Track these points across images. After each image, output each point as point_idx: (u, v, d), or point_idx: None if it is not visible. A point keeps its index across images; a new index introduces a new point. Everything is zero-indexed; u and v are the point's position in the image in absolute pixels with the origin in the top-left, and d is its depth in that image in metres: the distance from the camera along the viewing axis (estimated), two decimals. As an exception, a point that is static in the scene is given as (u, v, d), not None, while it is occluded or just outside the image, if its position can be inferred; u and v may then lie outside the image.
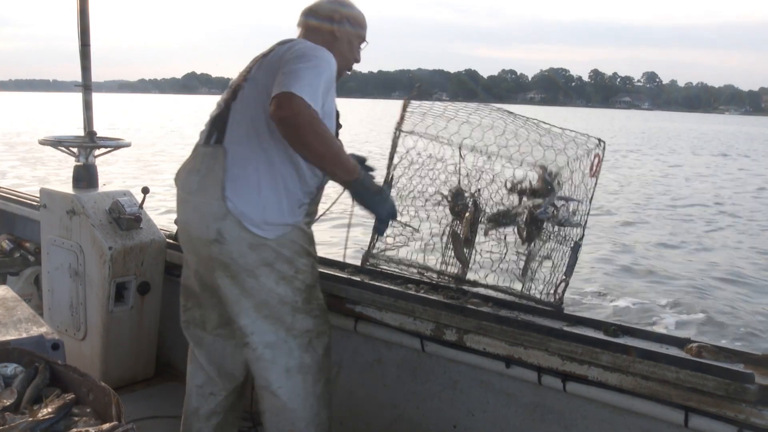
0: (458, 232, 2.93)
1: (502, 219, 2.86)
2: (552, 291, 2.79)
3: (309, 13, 2.85)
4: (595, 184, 2.76)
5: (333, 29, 2.79)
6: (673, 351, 2.42)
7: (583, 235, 2.77)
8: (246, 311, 2.69)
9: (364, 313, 3.09)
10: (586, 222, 2.76)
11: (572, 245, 2.77)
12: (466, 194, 2.94)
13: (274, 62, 2.58)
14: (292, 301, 2.71)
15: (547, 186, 2.80)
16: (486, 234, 2.90)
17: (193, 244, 2.75)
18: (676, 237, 14.67)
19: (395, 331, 3.02)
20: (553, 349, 2.56)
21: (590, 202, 2.77)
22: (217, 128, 2.68)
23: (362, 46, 2.93)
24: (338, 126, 3.06)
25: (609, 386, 2.45)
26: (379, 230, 2.84)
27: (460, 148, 2.93)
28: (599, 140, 2.76)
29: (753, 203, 21.00)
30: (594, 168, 2.73)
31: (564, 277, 2.77)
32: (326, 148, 2.46)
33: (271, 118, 2.43)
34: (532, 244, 2.81)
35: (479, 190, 2.92)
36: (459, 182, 2.97)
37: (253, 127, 2.60)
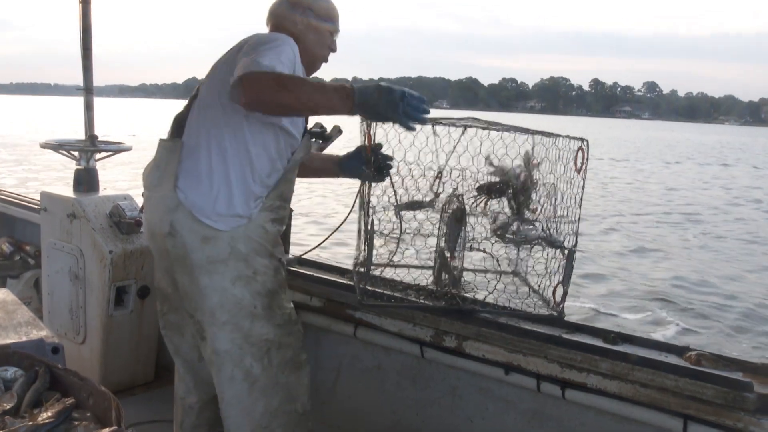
0: (445, 251, 2.94)
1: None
2: (550, 300, 2.81)
3: (274, 9, 2.78)
4: (583, 185, 2.75)
5: (296, 20, 2.71)
6: (672, 359, 2.42)
7: (576, 241, 2.77)
8: (204, 311, 2.61)
9: (363, 319, 3.08)
10: (578, 227, 2.77)
11: (566, 253, 2.77)
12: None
13: (232, 53, 2.57)
14: (249, 305, 2.61)
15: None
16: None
17: (154, 240, 2.70)
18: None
19: (395, 337, 3.01)
20: (552, 356, 2.56)
21: (580, 205, 2.77)
22: (177, 124, 2.68)
23: (334, 33, 2.81)
24: (337, 133, 3.06)
25: (608, 394, 2.45)
26: (408, 128, 2.34)
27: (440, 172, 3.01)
28: (582, 139, 2.75)
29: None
30: (578, 164, 2.72)
31: (561, 285, 2.79)
32: (307, 98, 2.29)
33: (243, 107, 2.36)
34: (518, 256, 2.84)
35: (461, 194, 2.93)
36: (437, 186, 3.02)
37: (206, 118, 2.57)
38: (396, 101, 2.28)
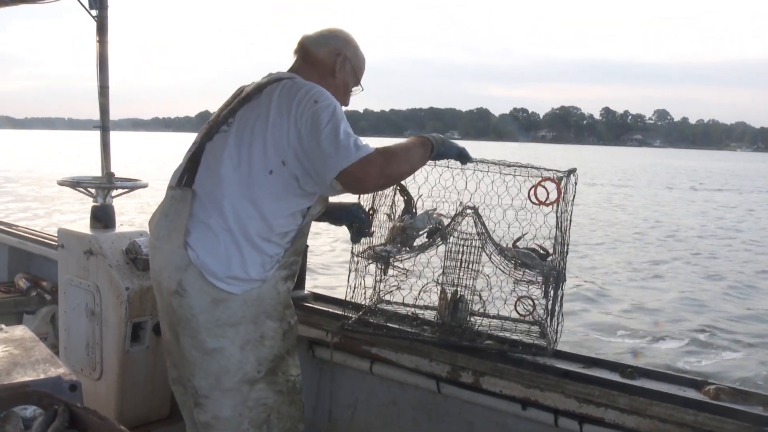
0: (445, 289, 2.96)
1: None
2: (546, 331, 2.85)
3: (312, 44, 2.67)
4: (570, 213, 2.81)
5: (334, 69, 2.65)
6: (691, 393, 2.42)
7: (565, 268, 2.80)
8: (205, 375, 2.49)
9: (380, 355, 3.08)
10: (566, 253, 2.81)
11: (552, 283, 2.79)
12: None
13: (261, 113, 2.44)
14: (252, 370, 2.50)
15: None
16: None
17: (161, 293, 2.59)
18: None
19: (411, 372, 3.01)
20: (569, 391, 2.56)
21: (566, 232, 2.82)
22: (188, 169, 2.54)
23: (355, 89, 2.78)
24: None
25: (626, 429, 2.44)
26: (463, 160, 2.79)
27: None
28: (569, 171, 2.82)
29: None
30: (550, 196, 2.79)
31: (548, 317, 2.82)
32: (408, 163, 2.51)
33: (356, 193, 2.57)
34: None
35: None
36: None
37: (223, 173, 2.42)
38: (455, 146, 2.70)
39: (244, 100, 2.54)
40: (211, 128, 2.57)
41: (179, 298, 2.44)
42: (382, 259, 3.00)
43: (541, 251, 2.89)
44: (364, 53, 2.76)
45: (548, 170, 2.81)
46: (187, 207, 2.44)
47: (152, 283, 2.68)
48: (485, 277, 2.93)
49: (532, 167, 2.81)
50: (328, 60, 2.65)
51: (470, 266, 2.89)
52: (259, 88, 2.53)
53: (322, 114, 2.34)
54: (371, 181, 2.37)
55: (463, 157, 2.75)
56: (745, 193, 42.69)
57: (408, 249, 2.95)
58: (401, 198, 3.05)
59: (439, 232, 2.87)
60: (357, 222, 2.90)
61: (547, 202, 2.77)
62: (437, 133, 2.66)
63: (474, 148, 2.94)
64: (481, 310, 3.00)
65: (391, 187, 3.04)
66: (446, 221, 2.91)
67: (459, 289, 2.93)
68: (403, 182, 3.00)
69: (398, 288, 3.13)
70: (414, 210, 3.01)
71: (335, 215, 2.87)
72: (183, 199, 2.47)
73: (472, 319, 2.95)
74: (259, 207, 2.40)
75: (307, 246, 2.96)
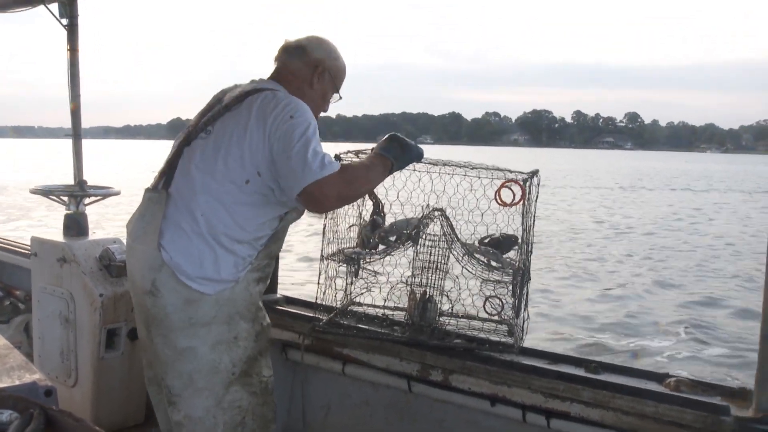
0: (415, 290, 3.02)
1: None
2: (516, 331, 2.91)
3: (293, 54, 2.71)
4: (534, 213, 2.89)
5: (312, 80, 2.69)
6: (652, 386, 2.49)
7: (529, 266, 2.90)
8: (177, 374, 2.52)
9: (351, 356, 3.13)
10: (530, 252, 2.90)
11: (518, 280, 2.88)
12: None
13: (240, 124, 2.49)
14: (226, 371, 2.54)
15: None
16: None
17: (134, 293, 2.64)
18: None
19: (382, 372, 3.06)
20: (535, 386, 2.62)
21: (529, 231, 2.90)
22: (166, 173, 2.59)
23: (334, 98, 2.82)
24: None
25: (591, 422, 2.51)
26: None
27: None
28: (532, 173, 2.91)
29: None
30: (515, 197, 2.86)
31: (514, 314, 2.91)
32: (367, 184, 2.59)
33: (313, 212, 2.58)
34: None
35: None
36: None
37: (198, 177, 2.48)
38: (411, 147, 2.66)
39: (224, 108, 2.58)
40: (190, 134, 2.62)
41: (152, 297, 2.48)
42: (352, 261, 3.05)
43: (511, 239, 2.95)
44: (344, 61, 2.81)
45: (512, 172, 2.88)
46: (161, 209, 2.50)
47: (128, 283, 2.73)
48: (453, 278, 2.99)
49: (497, 169, 2.88)
50: (306, 70, 2.70)
51: (438, 267, 2.94)
52: (240, 98, 2.57)
53: (296, 130, 2.40)
54: (328, 203, 2.50)
55: (420, 158, 2.77)
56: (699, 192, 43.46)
57: (376, 251, 3.01)
58: (370, 201, 3.10)
59: (406, 234, 2.92)
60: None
61: (512, 203, 2.84)
62: (398, 139, 2.67)
63: (447, 152, 3.01)
64: (450, 310, 3.06)
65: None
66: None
67: (428, 289, 2.98)
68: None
69: (368, 290, 3.18)
70: (382, 212, 3.06)
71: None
72: (159, 202, 2.52)
73: (441, 318, 3.01)
74: (233, 213, 2.46)
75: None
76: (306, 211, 2.61)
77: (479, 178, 2.86)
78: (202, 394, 2.53)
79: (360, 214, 3.16)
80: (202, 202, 2.46)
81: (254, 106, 2.51)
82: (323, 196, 2.37)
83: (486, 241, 2.96)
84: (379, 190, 2.99)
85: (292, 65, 2.70)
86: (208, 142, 2.54)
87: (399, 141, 2.65)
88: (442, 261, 2.93)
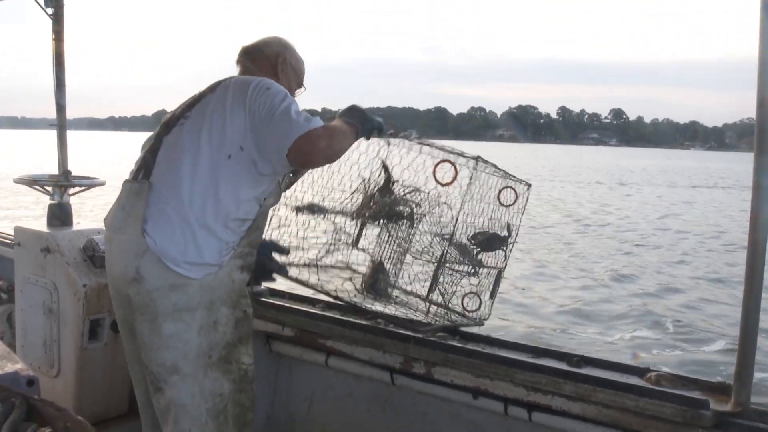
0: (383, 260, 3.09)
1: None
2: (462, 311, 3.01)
3: (251, 53, 2.87)
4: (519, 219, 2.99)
5: (277, 72, 2.84)
6: (634, 380, 2.52)
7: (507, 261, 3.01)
8: (163, 360, 2.51)
9: (335, 348, 3.14)
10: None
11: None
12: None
13: (218, 103, 2.58)
14: (206, 355, 2.54)
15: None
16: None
17: (115, 284, 2.63)
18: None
19: (365, 365, 3.08)
20: (518, 380, 2.64)
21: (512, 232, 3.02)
22: (145, 163, 2.62)
23: (299, 91, 2.95)
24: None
25: (572, 415, 2.53)
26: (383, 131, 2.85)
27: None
28: (527, 184, 3.03)
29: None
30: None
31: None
32: (346, 141, 2.62)
33: (304, 166, 2.72)
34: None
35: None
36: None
37: (178, 165, 2.52)
38: (371, 118, 2.73)
39: (199, 96, 2.66)
40: (168, 123, 2.66)
41: (137, 285, 2.47)
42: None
43: (500, 239, 3.02)
44: (301, 55, 2.96)
45: (464, 156, 2.94)
46: (143, 198, 2.50)
47: (108, 278, 2.72)
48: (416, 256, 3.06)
49: (451, 152, 2.96)
50: (268, 65, 2.84)
51: (401, 243, 3.02)
52: (212, 87, 2.67)
53: (276, 97, 2.51)
54: (319, 154, 2.52)
55: (381, 131, 2.84)
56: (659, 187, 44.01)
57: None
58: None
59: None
60: (267, 254, 3.00)
61: (444, 182, 2.93)
62: (358, 108, 2.76)
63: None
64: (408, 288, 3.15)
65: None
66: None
67: (383, 260, 3.05)
68: (382, 159, 3.18)
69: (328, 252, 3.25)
70: (392, 186, 3.14)
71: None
72: (140, 192, 2.53)
73: (395, 292, 3.11)
74: (217, 191, 2.49)
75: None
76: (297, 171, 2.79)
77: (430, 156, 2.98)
78: (187, 380, 2.53)
79: (367, 186, 3.21)
80: (185, 183, 2.49)
81: (230, 86, 2.62)
82: (314, 147, 2.45)
83: (476, 238, 3.01)
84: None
85: (255, 63, 2.85)
86: (187, 128, 2.60)
87: (359, 110, 2.74)
88: (405, 238, 3.01)
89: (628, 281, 13.50)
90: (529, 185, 3.03)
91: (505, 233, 3.02)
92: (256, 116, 2.49)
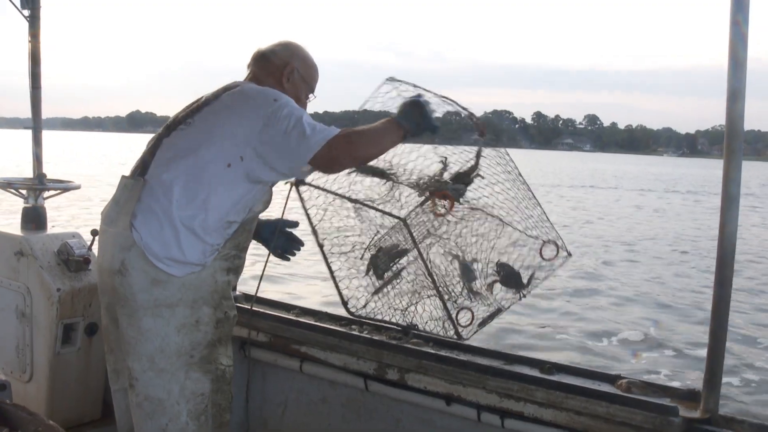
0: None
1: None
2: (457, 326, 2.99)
3: (260, 59, 2.85)
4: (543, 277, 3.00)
5: (282, 80, 2.81)
6: (605, 387, 2.56)
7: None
8: (140, 355, 2.55)
9: (309, 353, 3.15)
10: None
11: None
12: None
13: (222, 112, 2.62)
14: (187, 354, 2.57)
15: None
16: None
17: (102, 276, 2.68)
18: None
19: (339, 371, 3.09)
20: (490, 386, 2.67)
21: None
22: (143, 162, 2.67)
23: (309, 97, 2.93)
24: None
25: (544, 422, 2.56)
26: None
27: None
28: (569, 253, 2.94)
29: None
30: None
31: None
32: (377, 148, 2.68)
33: (328, 173, 2.85)
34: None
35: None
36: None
37: (173, 165, 2.56)
38: (428, 110, 2.71)
39: (204, 103, 2.69)
40: (170, 126, 2.70)
41: (121, 277, 2.53)
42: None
43: (519, 279, 2.99)
44: (313, 61, 2.93)
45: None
46: (136, 194, 2.57)
47: (96, 268, 2.82)
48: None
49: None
50: (276, 72, 2.83)
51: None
52: (217, 94, 2.70)
53: (284, 109, 2.54)
54: (339, 162, 2.62)
55: (434, 132, 2.83)
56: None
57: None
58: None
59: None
60: (283, 229, 3.06)
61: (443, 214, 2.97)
62: (420, 106, 2.71)
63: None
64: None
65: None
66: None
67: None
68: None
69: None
70: (473, 176, 3.16)
71: (259, 230, 2.98)
72: (134, 188, 2.60)
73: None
74: (208, 197, 2.53)
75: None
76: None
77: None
78: (163, 376, 2.56)
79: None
80: (176, 184, 2.53)
81: (236, 95, 2.66)
82: (331, 158, 2.52)
83: (503, 268, 3.00)
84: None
85: (263, 70, 2.84)
86: (188, 132, 2.64)
87: (417, 108, 2.71)
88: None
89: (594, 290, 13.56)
90: (570, 254, 2.94)
91: (525, 281, 2.97)
92: (264, 128, 2.53)
